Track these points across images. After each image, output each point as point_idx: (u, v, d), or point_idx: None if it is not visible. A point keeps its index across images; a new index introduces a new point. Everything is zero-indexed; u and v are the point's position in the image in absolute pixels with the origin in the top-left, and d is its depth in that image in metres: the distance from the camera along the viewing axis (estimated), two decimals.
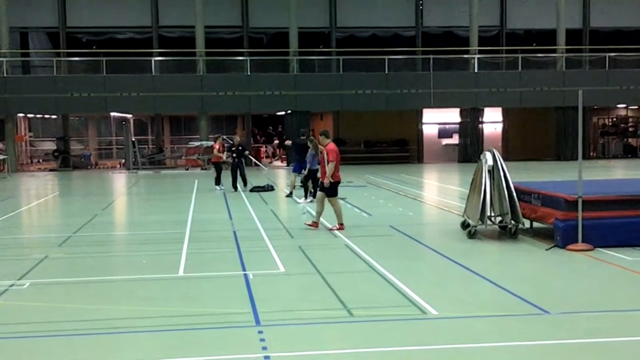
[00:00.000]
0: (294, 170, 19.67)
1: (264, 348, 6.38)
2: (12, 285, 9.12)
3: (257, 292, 8.49)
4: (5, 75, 34.22)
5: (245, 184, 21.62)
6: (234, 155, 21.51)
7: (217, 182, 22.54)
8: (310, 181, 18.12)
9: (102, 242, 12.87)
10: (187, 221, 15.08)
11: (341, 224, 13.39)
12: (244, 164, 21.84)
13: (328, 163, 13.23)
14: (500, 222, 12.32)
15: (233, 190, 21.29)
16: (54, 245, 12.30)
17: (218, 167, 22.94)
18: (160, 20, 39.03)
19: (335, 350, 6.35)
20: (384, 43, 38.92)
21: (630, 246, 10.91)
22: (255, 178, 25.86)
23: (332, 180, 13.32)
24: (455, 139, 38.13)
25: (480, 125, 37.09)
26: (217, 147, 22.92)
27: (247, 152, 23.58)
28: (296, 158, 19.72)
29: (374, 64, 35.65)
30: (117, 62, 34.56)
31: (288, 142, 19.60)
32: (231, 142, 22.41)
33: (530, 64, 36.80)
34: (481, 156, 12.26)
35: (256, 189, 21.57)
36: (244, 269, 9.91)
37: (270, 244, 11.93)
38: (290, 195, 19.27)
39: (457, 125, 37.59)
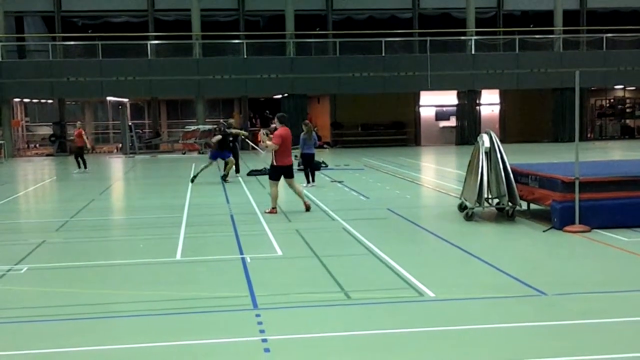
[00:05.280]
0: (213, 157, 20.11)
1: (262, 331, 6.39)
2: (9, 270, 9.12)
3: (255, 276, 8.49)
4: (0, 59, 34.15)
5: (237, 170, 21.36)
6: (230, 139, 21.36)
7: (79, 165, 24.04)
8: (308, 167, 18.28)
9: (100, 227, 12.86)
10: (185, 205, 15.07)
11: (274, 208, 13.55)
12: (238, 149, 21.69)
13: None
14: (498, 204, 12.33)
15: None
16: (51, 230, 12.29)
17: (80, 151, 24.16)
18: (156, 3, 38.81)
19: (333, 333, 6.37)
20: (380, 25, 38.72)
21: (627, 227, 10.92)
22: (252, 162, 25.85)
23: (275, 164, 13.61)
24: (452, 122, 38.09)
25: (477, 108, 37.04)
26: (79, 132, 24.31)
27: (243, 135, 23.47)
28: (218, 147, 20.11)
29: (370, 47, 35.51)
30: (113, 46, 34.40)
31: (217, 137, 20.09)
32: (225, 126, 22.30)
33: (527, 46, 36.68)
34: (478, 138, 12.25)
35: (253, 173, 21.55)
36: (241, 253, 9.91)
37: (267, 228, 11.93)
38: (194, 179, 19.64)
39: (455, 108, 37.55)
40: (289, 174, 13.77)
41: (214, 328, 6.59)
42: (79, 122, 26.38)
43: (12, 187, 20.59)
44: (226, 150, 19.97)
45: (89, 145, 24.47)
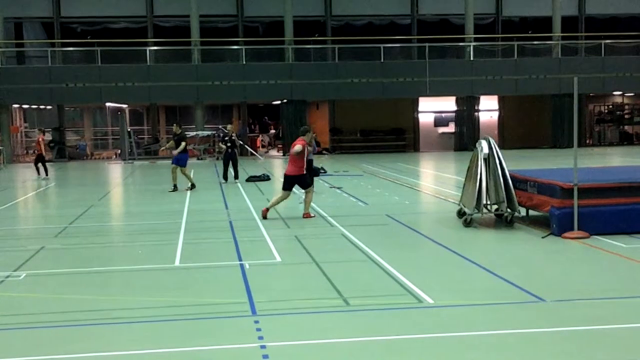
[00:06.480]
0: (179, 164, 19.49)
1: (260, 338, 6.38)
2: (8, 277, 9.11)
3: (253, 282, 8.49)
4: (0, 65, 34.14)
5: (236, 176, 21.32)
6: (228, 145, 21.35)
7: (39, 172, 24.20)
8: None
9: (99, 233, 12.87)
10: (183, 211, 15.07)
11: (266, 209, 13.77)
12: (237, 155, 21.65)
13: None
14: (496, 210, 12.34)
15: (224, 181, 21.18)
16: (50, 236, 12.28)
17: (41, 158, 24.38)
18: (155, 9, 38.88)
19: (332, 340, 6.36)
20: (379, 31, 38.81)
21: (626, 233, 10.93)
22: (251, 167, 25.86)
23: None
24: (451, 128, 38.12)
25: (476, 114, 37.07)
26: (40, 139, 24.65)
27: (241, 142, 23.39)
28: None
29: (369, 53, 35.57)
30: (112, 52, 34.41)
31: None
32: (225, 132, 22.29)
33: (526, 52, 36.77)
34: (477, 144, 12.26)
35: (252, 179, 21.55)
36: (240, 259, 9.91)
37: (266, 234, 11.93)
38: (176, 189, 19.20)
39: (453, 114, 37.59)
40: (300, 184, 13.80)
41: (212, 334, 6.58)
42: (37, 130, 26.65)
43: (11, 193, 20.57)
44: (182, 155, 19.44)
45: (43, 153, 24.77)
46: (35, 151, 25.13)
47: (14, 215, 16.08)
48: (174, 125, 20.37)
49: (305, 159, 13.71)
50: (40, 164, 24.32)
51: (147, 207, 16.43)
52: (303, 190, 14.08)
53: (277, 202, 13.87)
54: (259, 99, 38.48)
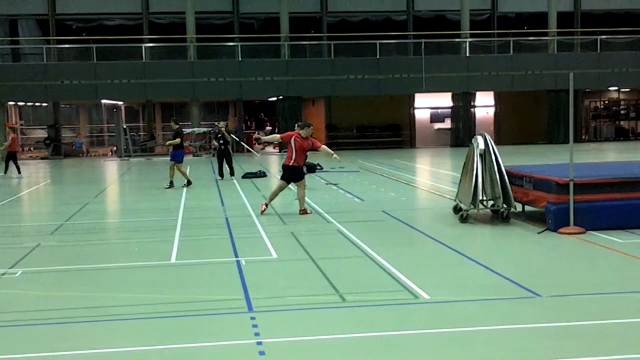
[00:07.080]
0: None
1: (257, 334, 6.38)
2: (4, 274, 9.09)
3: (250, 279, 8.49)
4: None
5: (232, 173, 21.29)
6: (221, 142, 21.31)
7: (19, 170, 24.22)
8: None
9: (94, 230, 12.85)
10: (180, 208, 15.05)
11: (264, 205, 13.91)
12: (230, 152, 21.58)
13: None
14: (492, 206, 12.34)
15: (220, 177, 21.17)
16: (46, 233, 12.26)
17: (13, 156, 24.42)
18: (150, 6, 38.83)
19: (328, 336, 6.36)
20: (375, 27, 38.81)
21: (622, 229, 10.94)
22: (247, 164, 25.84)
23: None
24: (447, 124, 38.13)
25: (472, 110, 37.09)
26: (12, 137, 24.67)
27: (233, 137, 23.25)
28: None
29: (365, 49, 35.58)
30: (108, 49, 34.37)
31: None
32: (218, 129, 22.25)
33: (521, 48, 36.78)
34: (473, 140, 12.26)
35: (248, 175, 21.53)
36: (236, 256, 9.90)
37: (262, 230, 11.93)
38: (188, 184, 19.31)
39: (449, 110, 37.58)
40: (292, 176, 13.80)
41: (208, 331, 6.58)
42: (8, 128, 26.65)
43: (7, 190, 20.53)
44: (177, 151, 19.38)
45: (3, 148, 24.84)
46: (19, 148, 25.17)
47: (9, 212, 16.04)
48: (172, 122, 20.39)
49: (294, 151, 13.64)
50: (11, 161, 24.35)
51: (143, 204, 16.41)
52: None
53: (275, 194, 13.97)
54: (255, 96, 38.46)
